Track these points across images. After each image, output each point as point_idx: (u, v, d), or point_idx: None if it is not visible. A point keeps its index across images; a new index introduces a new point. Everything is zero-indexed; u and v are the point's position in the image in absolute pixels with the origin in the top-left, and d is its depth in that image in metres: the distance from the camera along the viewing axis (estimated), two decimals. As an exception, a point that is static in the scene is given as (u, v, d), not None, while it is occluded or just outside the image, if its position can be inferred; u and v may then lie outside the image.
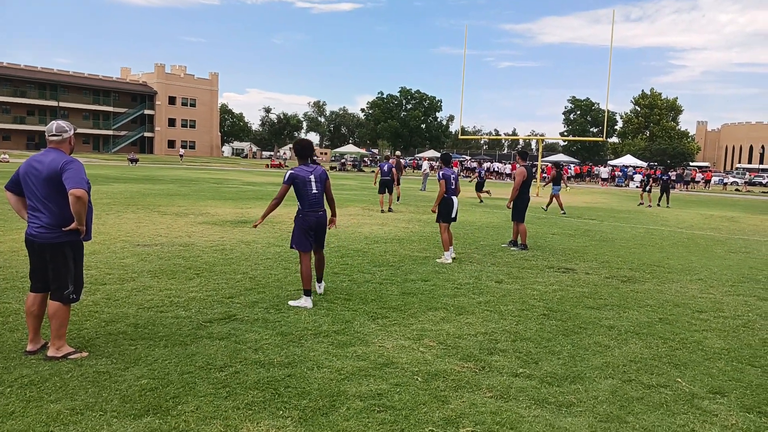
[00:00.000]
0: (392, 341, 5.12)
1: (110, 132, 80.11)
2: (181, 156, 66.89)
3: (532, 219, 16.07)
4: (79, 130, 76.16)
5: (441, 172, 9.37)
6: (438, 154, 78.42)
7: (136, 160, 45.01)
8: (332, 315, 5.85)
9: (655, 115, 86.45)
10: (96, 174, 29.68)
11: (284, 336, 5.13)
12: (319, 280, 6.76)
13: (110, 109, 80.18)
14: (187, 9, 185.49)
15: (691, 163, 76.36)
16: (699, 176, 51.79)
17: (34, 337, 4.58)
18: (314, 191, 6.35)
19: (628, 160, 63.76)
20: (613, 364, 4.78)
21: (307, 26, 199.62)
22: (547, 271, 8.68)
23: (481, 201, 21.94)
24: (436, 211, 9.33)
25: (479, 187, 22.66)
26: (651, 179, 26.03)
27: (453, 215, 9.27)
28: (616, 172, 53.06)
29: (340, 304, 6.29)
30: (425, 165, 31.82)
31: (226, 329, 5.27)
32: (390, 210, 16.84)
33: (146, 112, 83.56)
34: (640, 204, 24.48)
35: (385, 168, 17.27)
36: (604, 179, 49.69)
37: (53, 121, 4.58)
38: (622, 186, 48.74)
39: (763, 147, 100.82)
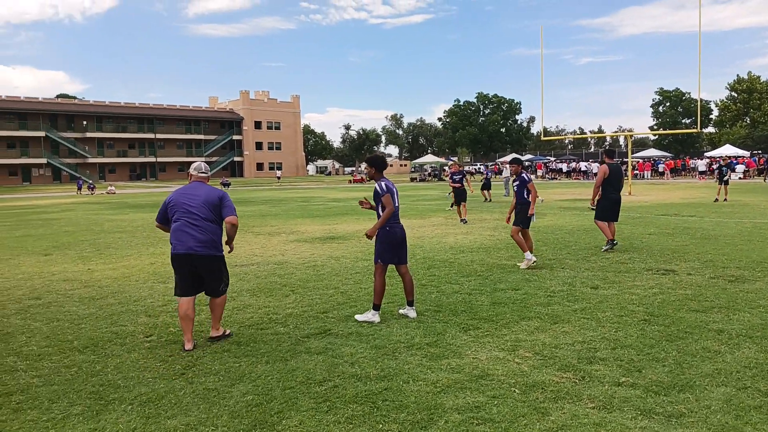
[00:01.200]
0: (486, 352, 5.08)
1: (202, 159, 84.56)
2: (278, 178, 69.41)
3: (625, 219, 15.41)
4: (174, 159, 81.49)
5: (523, 175, 9.27)
6: (521, 157, 76.97)
7: (229, 184, 47.30)
8: (423, 327, 5.88)
9: (755, 100, 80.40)
10: (192, 199, 31.44)
11: (378, 349, 5.22)
12: (411, 304, 6.36)
13: (201, 137, 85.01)
14: (266, 35, 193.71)
15: (801, 149, 70.19)
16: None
17: (191, 337, 5.45)
18: (397, 204, 6.40)
19: (727, 150, 59.62)
20: (725, 370, 4.49)
21: (381, 42, 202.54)
22: (646, 273, 8.29)
23: (487, 199, 24.46)
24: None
25: (485, 187, 25.24)
26: (729, 169, 23.67)
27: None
28: (714, 164, 49.70)
29: (431, 315, 6.32)
30: (506, 170, 31.30)
31: (323, 344, 5.43)
32: (464, 221, 15.94)
33: (234, 137, 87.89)
34: (716, 200, 21.59)
35: (456, 177, 16.96)
36: (701, 172, 46.78)
37: (200, 162, 5.80)
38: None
39: None
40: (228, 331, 5.84)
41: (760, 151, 62.77)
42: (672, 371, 4.51)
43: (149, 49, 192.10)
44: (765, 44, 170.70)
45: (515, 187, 9.30)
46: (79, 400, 4.28)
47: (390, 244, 6.24)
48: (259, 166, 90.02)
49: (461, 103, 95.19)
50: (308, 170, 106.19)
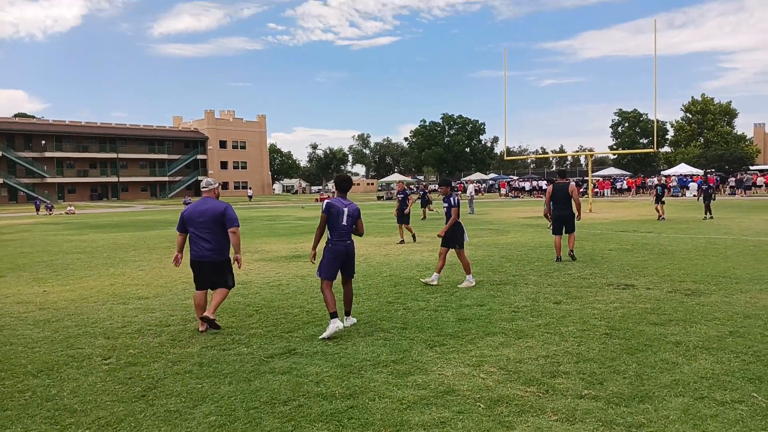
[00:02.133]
0: (452, 368, 5.10)
1: (166, 178, 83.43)
2: (249, 197, 68.47)
3: (586, 236, 15.74)
4: (137, 179, 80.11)
5: (451, 198, 9.12)
6: (484, 177, 78.01)
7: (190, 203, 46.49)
8: (390, 345, 5.87)
9: (708, 121, 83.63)
10: (156, 219, 30.89)
11: (344, 368, 5.19)
12: (348, 314, 6.77)
13: (165, 156, 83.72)
14: (233, 56, 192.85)
15: (751, 167, 73.15)
16: (760, 180, 49.52)
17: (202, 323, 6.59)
18: (344, 223, 6.58)
19: (682, 168, 61.68)
20: (682, 381, 4.61)
21: (348, 63, 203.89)
22: (607, 288, 8.47)
23: (424, 218, 25.15)
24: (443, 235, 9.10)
25: (423, 204, 25.91)
26: (665, 189, 23.83)
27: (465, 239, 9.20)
28: (670, 183, 51.34)
29: (397, 333, 6.32)
30: (470, 188, 31.77)
31: (288, 363, 5.36)
32: (401, 242, 15.68)
33: (199, 156, 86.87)
34: (660, 218, 21.40)
35: (400, 197, 16.76)
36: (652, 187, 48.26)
37: (206, 177, 6.69)
38: (678, 196, 47.12)
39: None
40: (217, 323, 6.66)
41: (713, 170, 65.10)
42: (632, 383, 4.60)
43: (113, 68, 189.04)
44: (717, 68, 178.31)
45: (444, 209, 9.25)
46: (34, 426, 4.12)
47: (330, 259, 6.52)
48: (225, 186, 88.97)
49: (427, 123, 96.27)
50: (274, 189, 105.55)
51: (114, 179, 78.85)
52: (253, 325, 6.90)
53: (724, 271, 9.63)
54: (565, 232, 11.49)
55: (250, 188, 78.84)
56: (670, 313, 6.83)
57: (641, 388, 4.50)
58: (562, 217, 11.43)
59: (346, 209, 6.61)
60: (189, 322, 7.11)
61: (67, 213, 42.13)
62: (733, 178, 47.74)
